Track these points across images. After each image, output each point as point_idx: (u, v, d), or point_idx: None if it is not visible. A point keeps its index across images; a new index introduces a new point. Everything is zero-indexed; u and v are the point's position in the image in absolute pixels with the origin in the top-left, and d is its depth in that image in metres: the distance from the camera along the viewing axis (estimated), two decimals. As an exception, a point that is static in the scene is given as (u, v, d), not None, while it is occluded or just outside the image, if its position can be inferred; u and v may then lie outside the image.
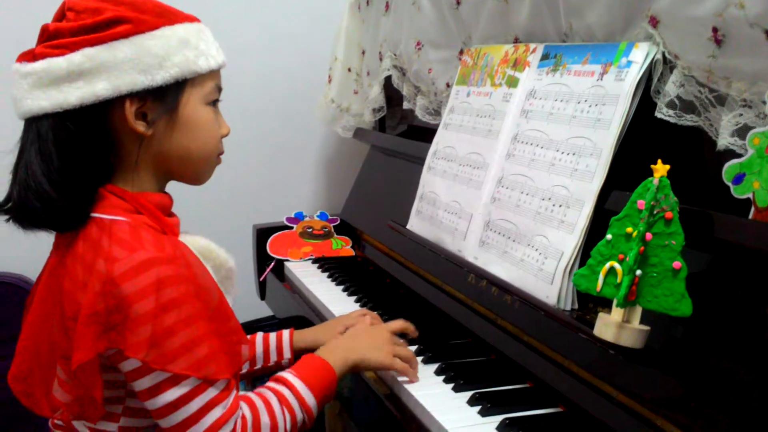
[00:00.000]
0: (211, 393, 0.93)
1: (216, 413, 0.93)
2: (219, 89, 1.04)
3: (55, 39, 0.94)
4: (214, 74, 1.02)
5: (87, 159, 0.95)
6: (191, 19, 1.01)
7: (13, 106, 0.95)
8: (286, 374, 1.05)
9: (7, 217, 0.97)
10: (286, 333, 1.30)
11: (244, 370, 1.27)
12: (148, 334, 0.89)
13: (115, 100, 0.94)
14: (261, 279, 1.86)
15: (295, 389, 1.03)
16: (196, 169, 1.05)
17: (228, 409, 0.94)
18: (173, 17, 0.98)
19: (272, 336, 1.30)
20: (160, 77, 0.95)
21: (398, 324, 1.25)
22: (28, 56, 0.94)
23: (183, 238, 1.01)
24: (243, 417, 0.97)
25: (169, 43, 0.96)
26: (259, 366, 1.29)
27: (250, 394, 1.02)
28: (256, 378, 1.98)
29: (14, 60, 0.96)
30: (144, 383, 0.91)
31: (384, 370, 1.16)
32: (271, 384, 1.04)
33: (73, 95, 0.92)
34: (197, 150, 1.02)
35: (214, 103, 1.04)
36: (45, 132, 0.93)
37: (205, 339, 0.92)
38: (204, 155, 1.03)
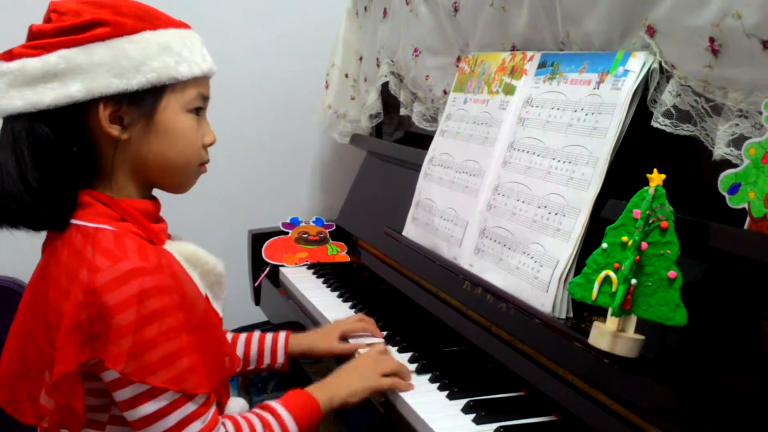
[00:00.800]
0: (189, 407, 0.93)
1: (194, 428, 0.93)
2: (204, 97, 1.02)
3: (35, 39, 0.94)
4: (197, 81, 1.00)
5: (61, 161, 0.94)
6: (179, 24, 1.00)
7: None
8: (273, 403, 1.05)
9: None
10: (282, 336, 1.29)
11: (237, 370, 1.27)
12: (129, 346, 0.88)
13: (91, 102, 0.93)
14: (256, 284, 1.85)
15: (280, 418, 1.03)
16: (175, 177, 1.03)
17: (207, 424, 0.94)
18: (157, 22, 0.97)
19: (268, 337, 1.29)
20: (136, 82, 0.94)
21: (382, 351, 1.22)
22: (6, 56, 0.94)
23: (170, 245, 1.00)
24: None
25: (148, 48, 0.94)
26: (252, 367, 1.29)
27: (236, 416, 1.02)
28: (249, 384, 1.99)
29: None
30: (124, 394, 0.91)
31: (374, 394, 1.14)
32: (256, 410, 1.05)
33: (47, 96, 0.92)
34: (175, 157, 1.00)
35: (198, 111, 1.02)
36: (19, 132, 0.93)
37: (186, 352, 0.92)
38: (182, 163, 1.02)
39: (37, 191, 0.92)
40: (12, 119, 0.93)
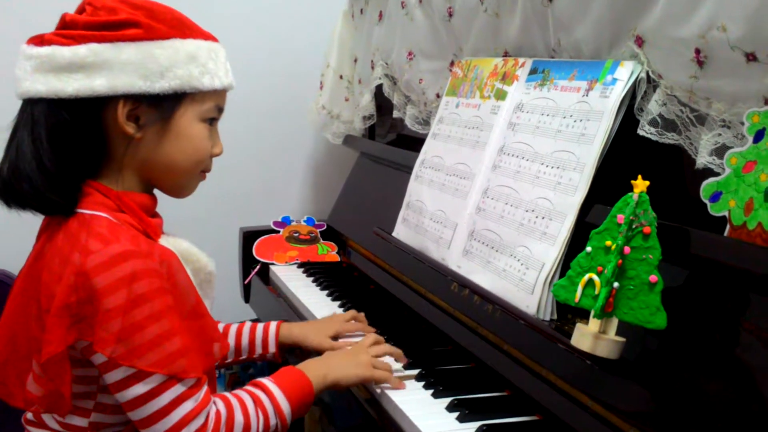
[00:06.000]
0: (180, 388, 0.94)
1: (186, 407, 0.94)
2: (219, 110, 1.05)
3: (67, 29, 0.96)
4: (216, 94, 1.03)
5: (75, 149, 0.96)
6: (207, 37, 1.03)
7: (14, 85, 0.97)
8: (265, 380, 1.06)
9: None
10: (273, 326, 1.31)
11: (229, 359, 1.29)
12: (117, 329, 0.89)
13: (112, 98, 0.95)
14: (246, 282, 1.87)
15: (272, 395, 1.03)
16: (178, 181, 1.05)
17: (199, 403, 0.95)
18: (188, 32, 1.00)
19: (259, 327, 1.31)
20: (159, 86, 0.96)
21: (375, 341, 1.24)
22: (37, 40, 0.96)
23: (165, 240, 1.01)
24: (217, 412, 0.98)
25: (175, 56, 0.97)
26: (244, 357, 1.30)
27: (227, 394, 1.03)
28: (236, 381, 2.00)
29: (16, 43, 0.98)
30: (114, 376, 0.92)
31: (365, 383, 1.16)
32: (248, 387, 1.05)
33: (70, 86, 0.94)
34: (182, 162, 1.03)
35: (211, 121, 1.05)
36: (38, 115, 0.95)
37: (175, 335, 0.93)
38: (188, 168, 1.04)
39: (50, 175, 0.94)
40: (32, 102, 0.96)
